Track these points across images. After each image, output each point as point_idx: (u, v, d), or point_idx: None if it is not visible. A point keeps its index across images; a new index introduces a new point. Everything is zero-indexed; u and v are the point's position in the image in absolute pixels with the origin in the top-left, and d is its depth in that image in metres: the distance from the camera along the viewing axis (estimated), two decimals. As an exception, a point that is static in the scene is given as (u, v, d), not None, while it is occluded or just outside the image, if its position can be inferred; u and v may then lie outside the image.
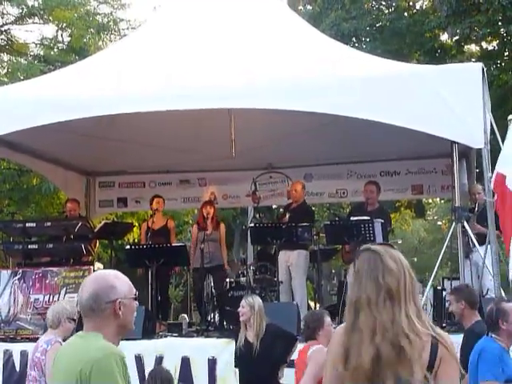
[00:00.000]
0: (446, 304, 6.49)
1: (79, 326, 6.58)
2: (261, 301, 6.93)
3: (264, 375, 6.56)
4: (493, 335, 5.24)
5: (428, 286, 8.49)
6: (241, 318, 6.84)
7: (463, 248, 7.88)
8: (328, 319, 6.15)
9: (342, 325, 2.79)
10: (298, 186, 10.30)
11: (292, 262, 9.80)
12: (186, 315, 12.20)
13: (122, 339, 3.06)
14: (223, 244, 10.67)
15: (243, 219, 22.71)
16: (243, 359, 6.76)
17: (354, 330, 2.64)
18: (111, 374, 2.78)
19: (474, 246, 8.00)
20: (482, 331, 5.86)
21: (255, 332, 6.67)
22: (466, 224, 7.66)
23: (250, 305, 6.76)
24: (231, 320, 9.94)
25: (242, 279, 10.90)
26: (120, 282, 3.00)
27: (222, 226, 10.82)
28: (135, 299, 3.04)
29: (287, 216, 9.91)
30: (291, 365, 6.48)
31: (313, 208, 10.89)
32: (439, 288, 9.23)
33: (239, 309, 6.88)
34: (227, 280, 10.82)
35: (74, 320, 6.06)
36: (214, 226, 10.45)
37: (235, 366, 6.96)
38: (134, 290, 3.05)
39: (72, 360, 2.89)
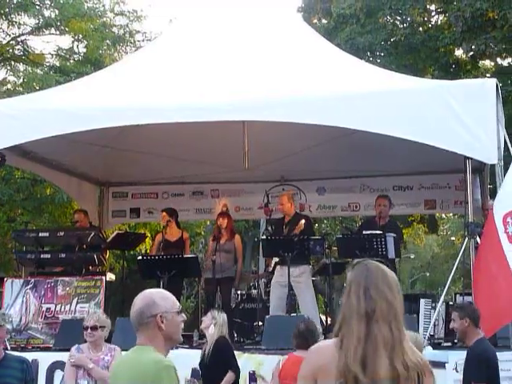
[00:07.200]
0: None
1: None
2: (226, 319, 7.13)
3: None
4: None
5: (440, 302, 8.44)
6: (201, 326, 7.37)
7: (476, 263, 7.82)
8: None
9: (332, 340, 2.71)
10: (283, 199, 10.00)
11: (299, 277, 9.38)
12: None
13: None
14: (239, 256, 10.51)
15: (255, 231, 22.74)
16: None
17: (368, 340, 2.59)
18: None
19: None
20: (482, 351, 5.78)
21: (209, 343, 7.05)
22: (478, 239, 7.62)
23: (213, 316, 7.07)
24: (241, 332, 9.97)
25: (254, 291, 10.90)
26: (162, 299, 3.32)
27: (238, 237, 10.71)
28: (179, 313, 3.34)
29: (301, 225, 9.42)
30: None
31: (310, 217, 10.54)
32: (451, 303, 9.18)
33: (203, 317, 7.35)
34: (238, 292, 10.81)
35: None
36: (229, 237, 10.39)
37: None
38: (178, 305, 3.36)
39: (131, 375, 3.17)
